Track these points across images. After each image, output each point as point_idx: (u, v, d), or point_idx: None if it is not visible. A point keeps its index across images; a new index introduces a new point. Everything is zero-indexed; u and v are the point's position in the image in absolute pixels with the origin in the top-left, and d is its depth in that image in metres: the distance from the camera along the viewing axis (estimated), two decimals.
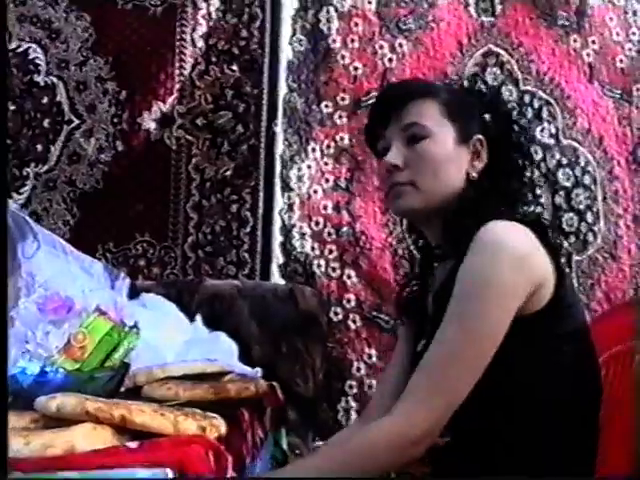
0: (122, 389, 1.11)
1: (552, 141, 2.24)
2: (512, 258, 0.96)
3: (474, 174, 1.10)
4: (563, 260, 2.14)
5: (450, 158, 1.09)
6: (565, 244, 2.23)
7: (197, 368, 1.23)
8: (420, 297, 1.25)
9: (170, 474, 0.67)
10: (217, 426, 0.86)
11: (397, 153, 1.09)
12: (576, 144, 2.24)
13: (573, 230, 2.22)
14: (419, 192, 1.08)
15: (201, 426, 0.83)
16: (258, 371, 1.57)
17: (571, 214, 2.22)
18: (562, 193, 2.23)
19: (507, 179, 1.13)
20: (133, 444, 0.76)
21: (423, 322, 1.20)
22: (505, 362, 0.96)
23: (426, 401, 0.92)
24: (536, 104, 2.26)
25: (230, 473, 0.91)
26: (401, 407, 0.94)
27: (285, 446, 1.59)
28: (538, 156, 2.25)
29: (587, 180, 2.23)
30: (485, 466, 1.06)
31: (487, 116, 1.13)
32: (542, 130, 2.25)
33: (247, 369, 1.57)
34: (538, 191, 2.24)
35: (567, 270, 2.19)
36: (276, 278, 2.21)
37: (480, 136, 1.12)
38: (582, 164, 2.24)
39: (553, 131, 2.25)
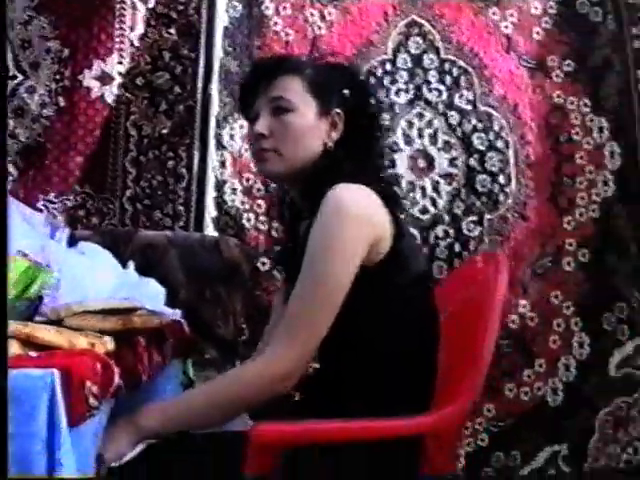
0: (46, 320, 1.37)
1: (469, 107, 2.53)
2: (352, 217, 1.13)
3: (331, 144, 1.27)
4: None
5: (310, 129, 1.25)
6: (478, 203, 2.52)
7: (111, 304, 1.48)
8: (290, 251, 1.44)
9: (57, 374, 0.93)
10: (104, 343, 1.13)
11: (264, 122, 1.25)
12: (491, 110, 2.53)
13: (486, 191, 2.51)
14: (282, 158, 1.25)
15: (91, 342, 1.11)
16: (177, 313, 1.85)
17: (484, 176, 2.52)
18: (477, 156, 2.52)
19: (361, 148, 1.29)
20: (34, 354, 1.03)
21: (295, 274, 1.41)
22: (353, 307, 1.15)
23: (286, 345, 1.12)
24: (455, 72, 2.55)
25: (117, 381, 1.18)
26: (267, 349, 1.15)
27: (192, 375, 1.88)
28: (455, 121, 2.53)
29: (500, 144, 2.52)
30: (341, 398, 1.23)
31: (346, 91, 1.29)
32: (460, 97, 2.53)
33: (168, 310, 1.85)
34: (454, 153, 2.52)
35: (480, 227, 2.48)
36: (209, 230, 2.48)
37: (339, 110, 1.27)
38: (496, 129, 2.52)
39: (470, 98, 2.53)
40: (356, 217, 1.14)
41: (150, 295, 1.83)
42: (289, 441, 1.19)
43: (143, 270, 1.99)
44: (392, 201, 1.30)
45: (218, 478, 1.20)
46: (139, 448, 1.19)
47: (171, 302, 1.91)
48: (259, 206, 2.43)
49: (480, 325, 1.36)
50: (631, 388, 2.48)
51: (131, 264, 1.98)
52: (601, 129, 2.53)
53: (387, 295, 1.29)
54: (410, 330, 1.32)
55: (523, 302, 2.47)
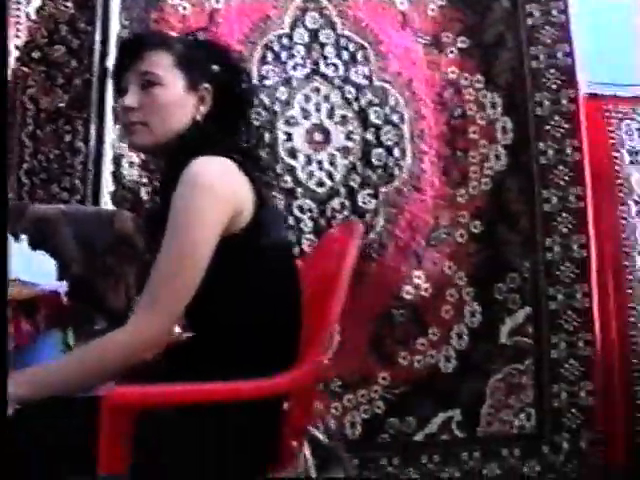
0: None
1: (365, 82, 2.63)
2: (208, 188, 1.19)
3: (199, 117, 1.33)
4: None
5: (178, 103, 1.31)
6: (374, 177, 2.62)
7: None
8: (159, 221, 1.48)
9: None
10: None
11: (133, 96, 1.30)
12: (387, 85, 2.64)
13: (381, 164, 2.62)
14: (149, 131, 1.30)
15: None
16: (62, 285, 1.91)
17: (380, 149, 2.63)
18: (372, 130, 2.63)
19: (228, 122, 1.35)
20: None
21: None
22: (215, 275, 1.21)
23: (148, 312, 1.17)
24: (351, 47, 2.65)
25: None
26: (131, 317, 1.18)
27: (73, 345, 1.95)
28: (351, 95, 2.63)
29: (396, 119, 2.63)
30: (205, 363, 1.29)
31: (215, 67, 1.36)
32: (356, 72, 2.64)
33: (55, 283, 1.92)
34: (350, 127, 2.63)
35: (375, 200, 2.59)
36: (106, 204, 2.55)
37: (207, 85, 1.34)
38: (392, 104, 2.63)
39: (366, 73, 2.64)
40: (212, 188, 1.20)
41: (41, 268, 1.89)
42: (141, 403, 1.22)
43: (36, 244, 2.04)
44: (254, 172, 1.38)
45: (83, 441, 1.23)
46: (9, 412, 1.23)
47: (63, 275, 1.96)
48: (157, 179, 2.49)
49: (330, 289, 1.47)
50: (522, 355, 2.61)
51: (24, 237, 2.03)
52: (494, 105, 2.66)
53: (248, 263, 1.36)
54: (271, 297, 1.41)
55: (417, 273, 2.58)
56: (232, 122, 1.38)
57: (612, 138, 2.79)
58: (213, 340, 1.39)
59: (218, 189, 1.21)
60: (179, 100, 1.32)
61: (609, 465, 2.64)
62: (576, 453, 2.63)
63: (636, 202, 2.77)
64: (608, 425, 2.64)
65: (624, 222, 2.74)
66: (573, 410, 2.62)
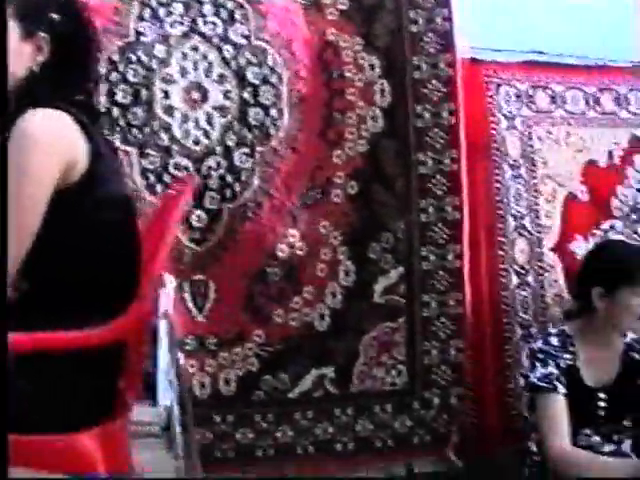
0: None
1: (244, 41, 2.70)
2: (37, 141, 1.20)
3: (35, 67, 1.32)
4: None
5: (13, 52, 1.28)
6: (250, 136, 2.70)
7: None
8: None
9: None
10: None
11: None
12: (266, 45, 2.71)
13: (258, 124, 2.70)
14: None
15: None
16: None
17: (257, 109, 2.70)
18: (250, 90, 2.70)
19: (65, 73, 1.35)
20: None
21: None
22: (50, 228, 1.25)
23: None
24: (230, 6, 2.71)
25: None
26: None
27: None
28: (229, 54, 2.70)
29: (274, 79, 2.70)
30: (44, 315, 1.34)
31: (55, 16, 1.33)
32: (235, 31, 2.70)
33: None
34: (228, 86, 2.69)
35: (251, 159, 2.66)
36: None
37: (45, 34, 1.32)
38: (270, 64, 2.71)
39: (245, 32, 2.70)
40: (41, 141, 1.22)
41: None
42: None
43: None
44: (90, 124, 1.39)
45: None
46: None
47: None
48: None
49: (160, 240, 1.54)
50: (394, 314, 2.73)
51: None
52: (372, 67, 2.76)
53: (82, 215, 1.40)
54: (104, 250, 1.46)
55: (292, 232, 2.67)
56: (67, 73, 1.37)
57: (490, 103, 2.91)
58: (48, 293, 1.44)
59: (47, 142, 1.23)
60: (14, 49, 1.29)
61: (480, 420, 2.79)
62: (446, 409, 2.76)
63: (511, 166, 2.90)
64: (478, 382, 2.78)
65: (498, 185, 2.87)
66: (443, 367, 2.76)
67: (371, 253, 2.73)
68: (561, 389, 2.08)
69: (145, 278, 1.50)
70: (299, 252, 2.69)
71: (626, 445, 2.19)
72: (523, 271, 2.87)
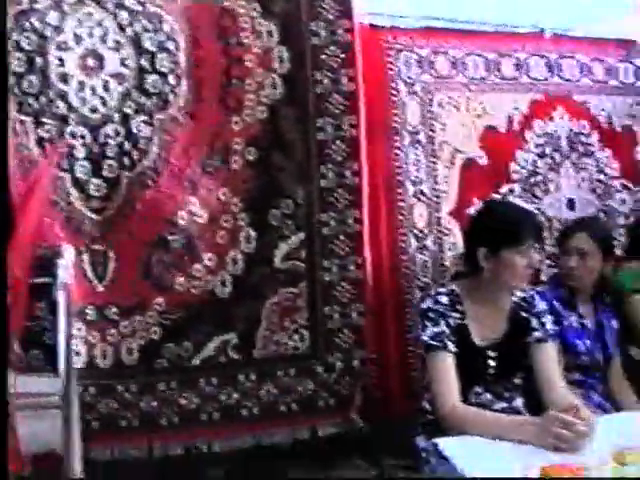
0: None
1: (139, 7, 2.89)
2: None
3: None
4: None
5: None
6: (148, 103, 2.90)
7: None
8: None
9: None
10: None
11: None
12: (161, 12, 2.91)
13: (156, 91, 2.90)
14: None
15: None
16: None
17: (155, 76, 2.90)
18: (147, 57, 2.89)
19: None
20: None
21: None
22: None
23: None
24: None
25: None
26: None
27: None
28: (125, 21, 2.89)
29: (171, 46, 2.91)
30: None
31: None
32: None
33: None
34: (124, 53, 2.89)
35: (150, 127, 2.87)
36: None
37: None
38: (167, 30, 2.91)
39: None
40: None
41: None
42: None
43: None
44: None
45: None
46: None
47: None
48: None
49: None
50: (296, 279, 2.97)
51: None
52: (270, 33, 2.97)
53: None
54: None
55: (192, 199, 2.88)
56: None
57: (390, 69, 3.18)
58: None
59: None
60: None
61: (382, 382, 3.07)
62: (349, 372, 3.00)
63: (410, 132, 3.17)
64: (380, 345, 3.06)
65: (397, 151, 3.14)
66: (345, 331, 3.01)
67: (271, 219, 2.92)
68: (451, 347, 2.19)
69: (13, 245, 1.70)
70: (199, 219, 2.88)
71: (518, 402, 2.32)
72: (422, 235, 3.13)
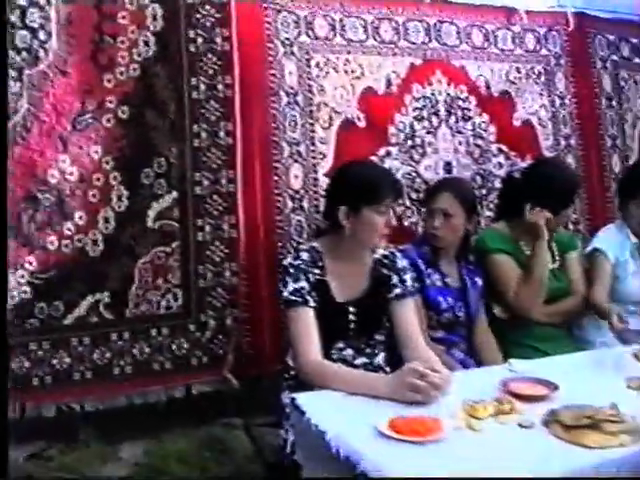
0: None
1: None
2: None
3: None
4: None
5: None
6: (18, 59, 3.08)
7: None
8: None
9: None
10: None
11: None
12: None
13: (26, 46, 3.07)
14: None
15: None
16: None
17: (25, 31, 3.07)
18: (17, 12, 3.05)
19: None
20: None
21: None
22: None
23: None
24: None
25: None
26: None
27: None
28: None
29: (42, 1, 3.09)
30: None
31: None
32: None
33: None
34: None
35: (19, 83, 3.06)
36: None
37: None
38: None
39: None
40: None
41: None
42: None
43: None
44: None
45: None
46: None
47: None
48: None
49: None
50: (168, 238, 3.20)
51: None
52: None
53: None
54: None
55: (63, 157, 3.07)
56: None
57: (267, 29, 3.43)
58: None
59: None
60: None
61: (255, 341, 3.34)
62: (222, 330, 3.24)
63: (287, 93, 3.43)
64: (253, 303, 3.32)
65: (274, 112, 3.41)
66: (219, 290, 3.26)
67: (144, 178, 3.11)
68: (312, 303, 2.31)
69: None
70: (70, 177, 3.06)
71: (379, 358, 2.50)
72: (298, 196, 3.39)
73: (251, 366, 3.21)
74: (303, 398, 2.14)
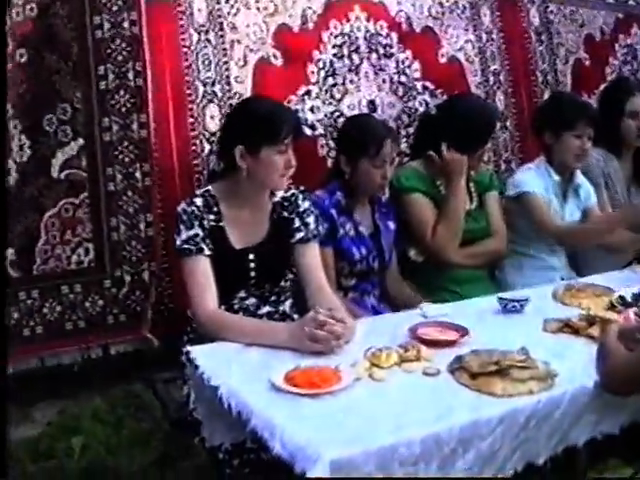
0: None
1: None
2: None
3: None
4: None
5: None
6: None
7: None
8: None
9: None
10: None
11: None
12: None
13: None
14: None
15: None
16: None
17: None
18: None
19: None
20: None
21: None
22: None
23: None
24: None
25: None
26: None
27: None
28: None
29: None
30: None
31: None
32: None
33: None
34: None
35: None
36: None
37: None
38: None
39: None
40: None
41: None
42: None
43: None
44: None
45: None
46: None
47: None
48: None
49: None
50: (76, 189, 3.08)
51: None
52: None
53: None
54: None
55: None
56: None
57: None
58: None
59: None
60: None
61: (174, 296, 3.24)
62: (139, 286, 3.13)
63: (197, 31, 3.31)
64: (171, 256, 3.21)
65: (185, 50, 3.28)
66: (133, 243, 3.14)
67: (47, 125, 2.97)
68: (206, 251, 2.28)
69: None
70: None
71: (286, 305, 2.49)
72: (215, 138, 3.31)
73: (173, 321, 3.07)
74: (198, 351, 2.10)
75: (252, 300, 2.44)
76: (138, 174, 3.08)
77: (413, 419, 1.68)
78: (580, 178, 3.32)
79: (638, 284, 2.54)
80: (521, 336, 2.12)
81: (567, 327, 2.24)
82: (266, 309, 2.46)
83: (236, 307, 2.40)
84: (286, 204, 2.46)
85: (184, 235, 2.31)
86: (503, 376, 1.83)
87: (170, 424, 2.69)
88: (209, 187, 2.41)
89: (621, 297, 2.46)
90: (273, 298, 2.49)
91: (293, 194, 2.48)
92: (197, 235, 2.30)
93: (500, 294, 2.41)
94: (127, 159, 3.06)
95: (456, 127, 2.89)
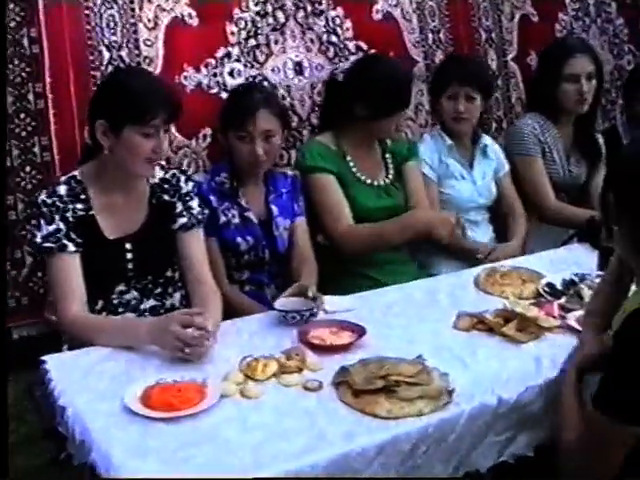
0: None
1: None
2: None
3: None
4: None
5: None
6: None
7: None
8: None
9: None
10: None
11: None
12: None
13: None
14: None
15: None
16: None
17: None
18: None
19: None
20: None
21: None
22: None
23: None
24: None
25: None
26: None
27: None
28: None
29: None
30: None
31: None
32: None
33: None
34: None
35: None
36: None
37: None
38: None
39: None
40: None
41: None
42: None
43: None
44: None
45: None
46: None
47: None
48: None
49: None
50: None
51: None
52: None
53: None
54: None
55: None
56: None
57: None
58: None
59: None
60: None
61: None
62: (40, 267, 2.97)
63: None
64: None
65: (87, 12, 3.04)
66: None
67: None
68: (72, 247, 2.10)
69: None
70: None
71: (175, 299, 2.35)
72: None
73: None
74: (56, 360, 1.95)
75: (133, 294, 2.28)
76: (36, 148, 2.93)
77: (275, 452, 1.52)
78: (485, 138, 3.25)
79: (573, 267, 2.29)
80: (428, 335, 1.99)
81: (480, 324, 2.07)
82: (150, 303, 2.31)
83: (115, 302, 2.25)
84: (166, 186, 2.29)
85: (44, 230, 2.11)
86: (390, 394, 1.66)
87: (43, 432, 2.51)
88: (75, 172, 2.21)
89: (549, 285, 2.23)
90: (158, 291, 2.33)
91: (174, 174, 2.31)
92: (59, 230, 2.11)
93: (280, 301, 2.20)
94: (24, 132, 2.92)
95: (370, 89, 2.72)
